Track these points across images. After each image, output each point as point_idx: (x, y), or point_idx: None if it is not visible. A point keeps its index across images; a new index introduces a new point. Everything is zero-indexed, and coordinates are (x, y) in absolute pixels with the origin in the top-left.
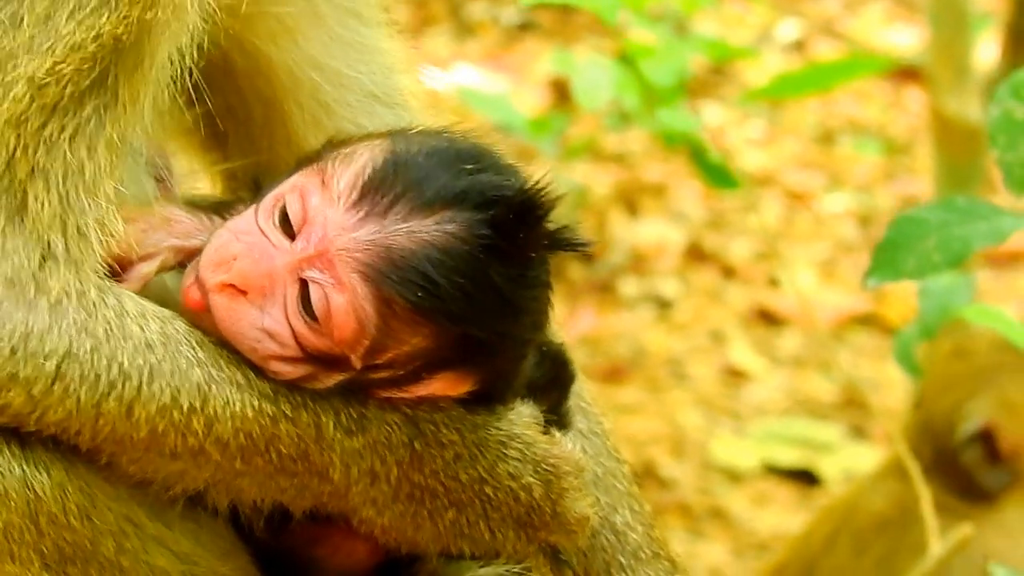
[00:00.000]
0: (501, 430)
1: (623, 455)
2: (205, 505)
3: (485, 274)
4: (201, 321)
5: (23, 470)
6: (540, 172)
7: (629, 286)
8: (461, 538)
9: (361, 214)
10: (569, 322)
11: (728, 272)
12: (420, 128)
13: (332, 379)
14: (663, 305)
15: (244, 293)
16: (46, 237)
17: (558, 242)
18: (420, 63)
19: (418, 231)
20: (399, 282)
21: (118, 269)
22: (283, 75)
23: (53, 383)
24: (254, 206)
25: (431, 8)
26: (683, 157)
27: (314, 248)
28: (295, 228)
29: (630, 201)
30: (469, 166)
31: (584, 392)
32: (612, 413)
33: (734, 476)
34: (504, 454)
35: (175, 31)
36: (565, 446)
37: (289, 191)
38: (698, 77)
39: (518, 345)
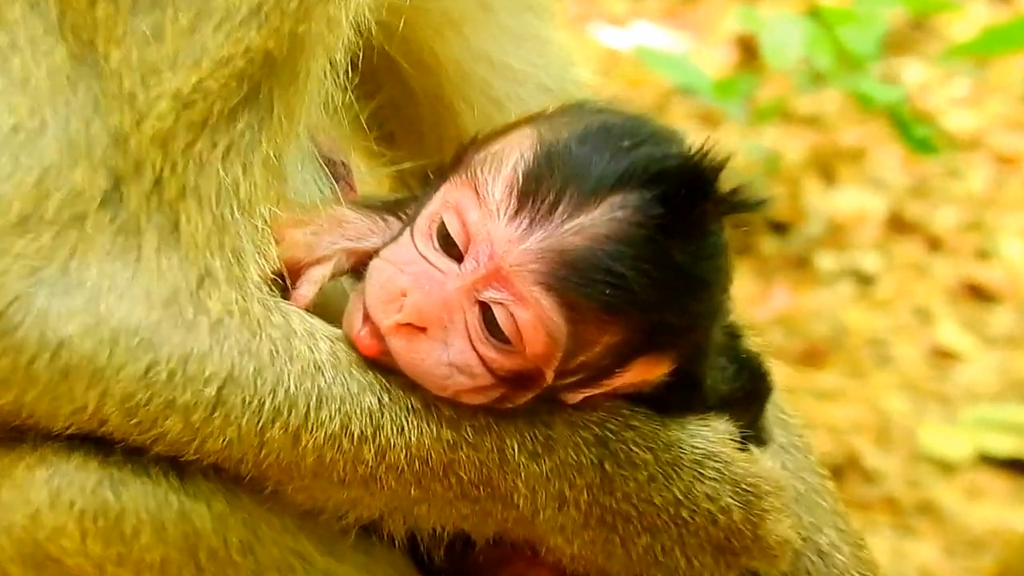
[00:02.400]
0: (696, 448)
1: (823, 446)
2: (380, 533)
3: (667, 255)
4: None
5: (181, 502)
6: (723, 138)
7: (826, 260)
8: (655, 566)
9: (525, 222)
10: (762, 300)
11: (934, 244)
12: (562, 107)
13: (525, 397)
14: (863, 281)
15: (423, 330)
16: (203, 257)
17: (735, 205)
18: (596, 21)
19: (589, 226)
20: (583, 284)
21: (289, 277)
22: (451, 71)
23: (213, 410)
24: (408, 231)
25: None
26: (882, 119)
27: (485, 268)
28: (460, 248)
29: (825, 168)
30: (625, 142)
31: (783, 402)
32: (810, 399)
33: (945, 467)
34: (700, 474)
35: (330, 44)
36: (764, 464)
37: (442, 209)
38: (897, 32)
39: (709, 315)
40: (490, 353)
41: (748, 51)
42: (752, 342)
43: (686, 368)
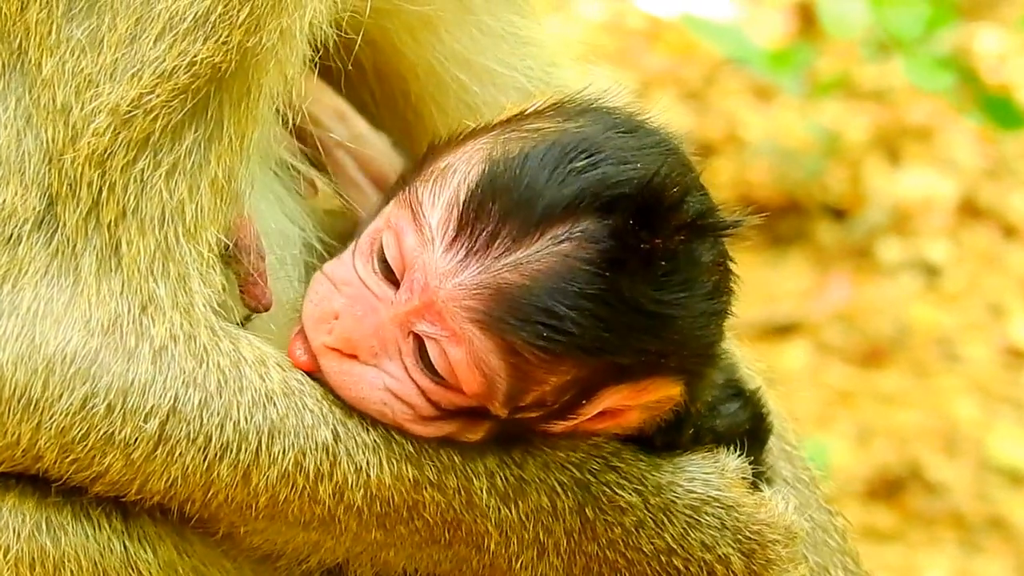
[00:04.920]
0: (693, 492)
1: (883, 454)
2: None
3: (617, 292)
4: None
5: (125, 547)
6: (777, 114)
7: (890, 250)
8: None
9: (461, 253)
10: (818, 294)
11: (1009, 231)
12: (530, 109)
13: (481, 429)
14: (931, 272)
15: (353, 356)
16: (147, 283)
17: (702, 230)
18: None
19: (527, 261)
20: (520, 326)
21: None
22: (423, 75)
23: (156, 446)
24: (351, 247)
25: None
26: (954, 93)
27: (419, 299)
28: (396, 274)
29: (891, 147)
30: (580, 162)
31: (788, 433)
32: (869, 403)
33: (1017, 478)
34: (696, 520)
35: (284, 57)
36: (775, 508)
37: (384, 228)
38: None
39: (692, 340)
40: (428, 385)
41: (806, 18)
42: (749, 374)
43: (692, 384)
